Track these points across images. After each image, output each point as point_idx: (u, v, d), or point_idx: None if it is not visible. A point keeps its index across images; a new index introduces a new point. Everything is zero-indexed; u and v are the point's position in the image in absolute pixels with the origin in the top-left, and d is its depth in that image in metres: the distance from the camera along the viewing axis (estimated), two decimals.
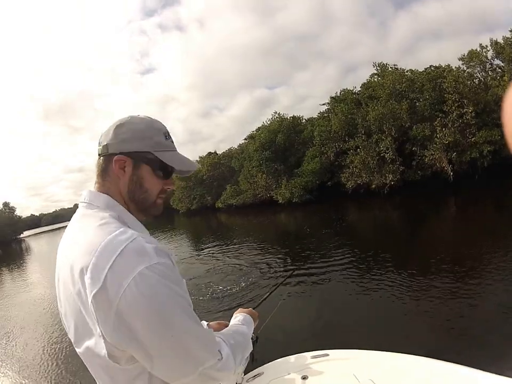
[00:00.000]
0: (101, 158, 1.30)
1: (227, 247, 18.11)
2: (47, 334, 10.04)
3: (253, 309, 2.03)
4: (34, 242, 73.60)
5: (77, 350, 1.20)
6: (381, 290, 8.61)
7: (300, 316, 8.40)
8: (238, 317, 1.75)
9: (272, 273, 11.95)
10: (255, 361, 2.71)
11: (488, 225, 12.88)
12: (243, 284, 11.29)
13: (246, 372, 2.99)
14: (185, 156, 1.42)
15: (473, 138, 22.03)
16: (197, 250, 19.71)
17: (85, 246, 1.09)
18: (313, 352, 3.11)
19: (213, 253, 17.23)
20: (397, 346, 3.06)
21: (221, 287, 11.38)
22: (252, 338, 1.78)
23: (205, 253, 17.71)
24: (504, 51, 24.46)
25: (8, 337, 10.70)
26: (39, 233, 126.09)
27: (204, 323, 1.74)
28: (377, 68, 30.12)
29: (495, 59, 25.98)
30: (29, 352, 9.05)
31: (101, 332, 1.05)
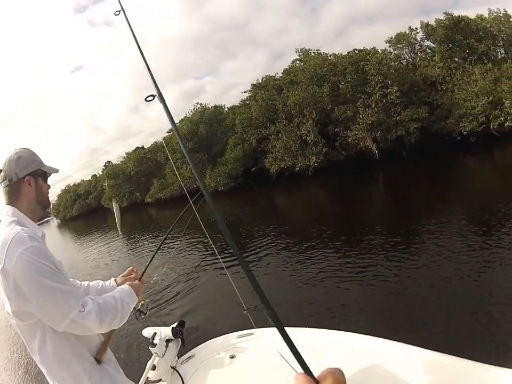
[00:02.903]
0: (11, 184, 1.86)
1: (155, 241, 18.21)
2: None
3: (139, 280, 2.36)
4: None
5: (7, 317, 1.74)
6: (309, 269, 8.52)
7: (224, 300, 8.41)
8: (117, 287, 2.06)
9: (197, 263, 12.05)
10: (187, 344, 3.38)
11: (416, 198, 12.59)
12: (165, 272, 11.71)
13: (179, 356, 3.24)
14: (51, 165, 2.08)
15: (398, 117, 21.24)
16: (131, 246, 19.73)
17: None
18: (239, 332, 3.28)
19: (142, 248, 17.55)
20: (325, 323, 3.84)
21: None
22: (141, 304, 2.40)
23: (137, 249, 17.94)
24: (435, 32, 23.81)
25: None
26: None
27: (112, 279, 2.35)
28: (300, 53, 29.05)
29: (426, 40, 25.52)
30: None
31: (6, 294, 1.62)
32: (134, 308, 2.27)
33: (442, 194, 11.98)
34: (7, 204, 1.88)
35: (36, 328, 1.71)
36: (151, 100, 1.63)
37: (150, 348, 3.08)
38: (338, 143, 23.27)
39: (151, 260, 3.20)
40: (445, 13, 23.91)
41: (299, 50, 28.99)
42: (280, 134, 25.37)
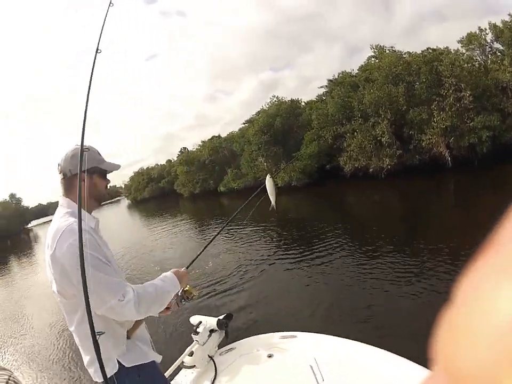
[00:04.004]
0: (66, 178, 2.14)
1: (227, 234, 17.86)
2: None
3: (186, 268, 2.52)
4: (42, 231, 72.59)
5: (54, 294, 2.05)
6: (372, 277, 8.41)
7: (279, 297, 8.66)
8: (162, 274, 2.27)
9: (260, 254, 12.34)
10: (230, 337, 3.57)
11: (487, 210, 11.99)
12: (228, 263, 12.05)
13: (220, 346, 3.50)
14: (111, 162, 2.31)
15: (471, 123, 20.91)
16: (195, 232, 21.25)
17: (50, 230, 2.00)
18: (283, 332, 3.43)
19: (205, 234, 18.69)
20: (374, 339, 3.13)
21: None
22: (180, 293, 2.53)
23: (203, 234, 19.00)
24: (503, 34, 23.22)
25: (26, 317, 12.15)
26: (46, 222, 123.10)
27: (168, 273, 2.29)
28: (375, 50, 29.04)
29: (495, 42, 24.76)
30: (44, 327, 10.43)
31: (54, 277, 1.95)
32: (177, 294, 2.48)
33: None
34: (63, 196, 2.14)
35: (77, 307, 1.95)
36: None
37: (192, 334, 3.37)
38: (412, 146, 23.22)
39: (202, 251, 3.40)
40: (510, 14, 23.49)
41: (374, 47, 29.01)
42: (355, 133, 25.54)
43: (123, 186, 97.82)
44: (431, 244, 9.61)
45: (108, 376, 1.95)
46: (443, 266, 7.98)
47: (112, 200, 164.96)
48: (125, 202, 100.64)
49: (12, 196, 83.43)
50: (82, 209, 1.97)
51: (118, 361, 2.06)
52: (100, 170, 2.21)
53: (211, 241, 3.71)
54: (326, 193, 24.65)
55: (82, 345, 2.09)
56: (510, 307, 0.15)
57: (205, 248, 3.51)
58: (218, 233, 4.04)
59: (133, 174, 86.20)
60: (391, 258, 9.25)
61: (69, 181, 2.13)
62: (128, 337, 2.15)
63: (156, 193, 71.09)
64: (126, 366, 2.07)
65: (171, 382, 3.23)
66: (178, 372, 3.37)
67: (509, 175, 17.38)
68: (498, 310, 0.15)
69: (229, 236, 16.54)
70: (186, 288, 2.59)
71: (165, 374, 3.07)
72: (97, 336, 1.86)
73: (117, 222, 44.43)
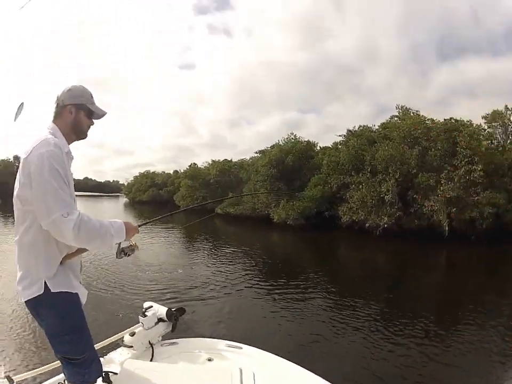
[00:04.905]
0: (58, 107, 2.42)
1: (210, 249, 18.75)
2: None
3: (139, 226, 2.58)
4: None
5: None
6: (334, 322, 8.42)
7: (240, 313, 9.06)
8: (113, 219, 2.35)
9: (235, 276, 12.61)
10: (178, 331, 3.54)
11: (474, 289, 12.03)
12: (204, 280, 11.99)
13: (164, 338, 3.48)
14: (99, 107, 2.57)
15: (476, 198, 21.06)
16: (182, 242, 22.22)
17: (30, 140, 2.21)
18: (230, 342, 3.44)
19: (196, 251, 18.13)
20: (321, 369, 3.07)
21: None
22: (124, 245, 2.57)
23: (190, 251, 18.74)
24: None
25: None
26: None
27: (118, 220, 2.38)
28: (400, 110, 29.64)
29: None
30: None
31: (19, 180, 2.12)
32: (120, 245, 2.57)
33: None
34: (52, 122, 2.41)
35: (28, 216, 2.15)
36: None
37: (139, 316, 3.38)
38: (413, 210, 23.17)
39: (156, 219, 3.92)
40: None
41: (399, 107, 29.64)
42: (361, 186, 25.47)
43: (125, 184, 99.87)
44: (402, 308, 9.69)
45: (32, 296, 2.19)
46: (404, 331, 7.88)
47: (112, 194, 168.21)
48: (123, 199, 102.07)
49: (16, 157, 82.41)
50: (61, 135, 2.36)
51: (45, 284, 2.18)
52: (87, 109, 2.49)
53: (166, 216, 4.13)
54: (318, 239, 24.57)
55: (19, 259, 2.25)
56: None
57: (161, 217, 4.15)
58: (173, 213, 4.48)
59: (138, 175, 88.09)
60: (360, 310, 9.29)
61: (59, 110, 2.43)
62: (61, 263, 2.28)
63: (154, 199, 71.91)
64: (52, 290, 2.19)
65: (105, 356, 3.18)
66: (116, 349, 3.33)
67: (505, 255, 17.49)
68: None
69: (209, 252, 17.23)
70: (132, 244, 2.64)
71: (100, 344, 3.15)
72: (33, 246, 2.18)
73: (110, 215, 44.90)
